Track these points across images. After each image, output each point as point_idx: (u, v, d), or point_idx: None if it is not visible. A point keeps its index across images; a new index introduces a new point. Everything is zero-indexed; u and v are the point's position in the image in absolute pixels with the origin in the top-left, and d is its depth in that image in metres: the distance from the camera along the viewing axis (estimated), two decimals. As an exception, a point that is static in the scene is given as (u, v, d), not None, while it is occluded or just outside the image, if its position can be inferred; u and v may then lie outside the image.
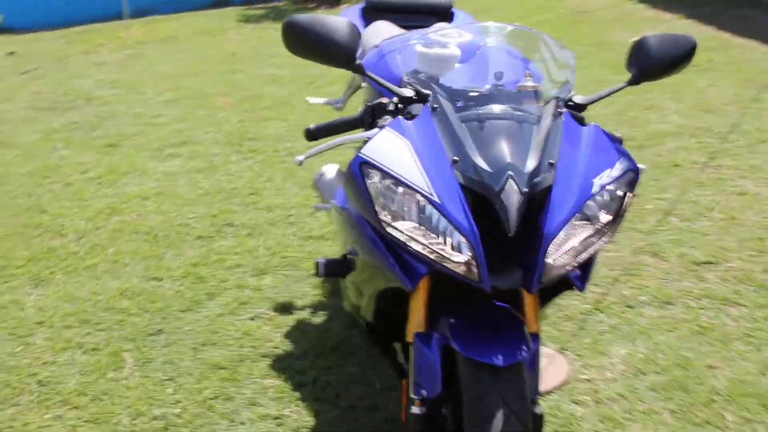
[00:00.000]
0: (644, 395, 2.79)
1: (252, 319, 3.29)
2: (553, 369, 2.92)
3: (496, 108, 1.96)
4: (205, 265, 3.69)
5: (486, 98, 2.03)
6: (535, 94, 2.07)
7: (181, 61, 7.12)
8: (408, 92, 2.05)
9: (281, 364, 3.01)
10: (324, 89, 6.10)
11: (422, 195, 1.82)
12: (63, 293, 3.50)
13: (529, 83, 2.10)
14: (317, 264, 2.35)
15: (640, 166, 2.05)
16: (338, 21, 2.01)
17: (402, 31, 3.02)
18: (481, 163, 1.82)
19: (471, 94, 2.05)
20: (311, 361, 3.02)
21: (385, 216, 1.87)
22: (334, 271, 2.37)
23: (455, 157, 1.86)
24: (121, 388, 2.90)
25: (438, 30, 2.58)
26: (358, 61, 2.04)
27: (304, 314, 3.31)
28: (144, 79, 6.59)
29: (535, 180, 1.82)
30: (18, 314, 3.36)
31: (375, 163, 1.88)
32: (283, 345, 3.11)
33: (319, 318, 3.29)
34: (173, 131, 5.41)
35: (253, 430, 2.69)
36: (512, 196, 1.77)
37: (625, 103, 5.59)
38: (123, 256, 3.80)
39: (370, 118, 2.12)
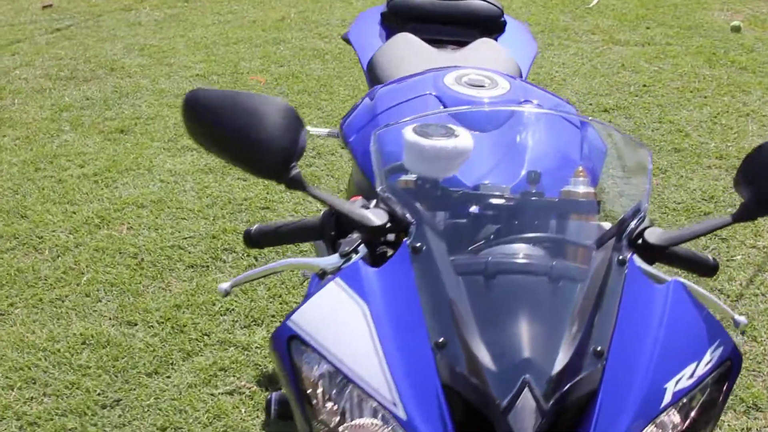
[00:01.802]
0: None
1: (230, 394, 2.67)
2: None
3: (518, 249, 1.25)
4: (189, 308, 3.06)
5: (508, 215, 1.33)
6: (591, 207, 1.37)
7: (223, 25, 6.46)
8: (378, 218, 1.33)
9: (252, 470, 2.39)
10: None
11: (378, 403, 1.14)
12: (16, 336, 2.92)
13: (582, 188, 1.38)
14: (268, 402, 1.68)
15: (740, 319, 1.34)
16: (269, 103, 1.27)
17: (430, 51, 2.30)
18: (482, 354, 1.13)
19: (484, 196, 1.36)
20: (291, 467, 2.39)
21: (324, 414, 1.20)
22: (290, 413, 1.71)
23: (440, 339, 1.17)
24: (49, 490, 2.33)
25: (462, 72, 1.87)
26: (293, 172, 1.31)
27: (293, 393, 2.67)
28: (177, 46, 5.95)
29: (567, 386, 1.12)
30: (-44, 364, 2.80)
31: (309, 341, 1.20)
32: (260, 439, 2.49)
33: (310, 400, 2.64)
34: (194, 116, 4.76)
35: None
36: (526, 418, 1.08)
37: (720, 107, 4.74)
38: (98, 287, 3.19)
39: (332, 230, 1.42)
